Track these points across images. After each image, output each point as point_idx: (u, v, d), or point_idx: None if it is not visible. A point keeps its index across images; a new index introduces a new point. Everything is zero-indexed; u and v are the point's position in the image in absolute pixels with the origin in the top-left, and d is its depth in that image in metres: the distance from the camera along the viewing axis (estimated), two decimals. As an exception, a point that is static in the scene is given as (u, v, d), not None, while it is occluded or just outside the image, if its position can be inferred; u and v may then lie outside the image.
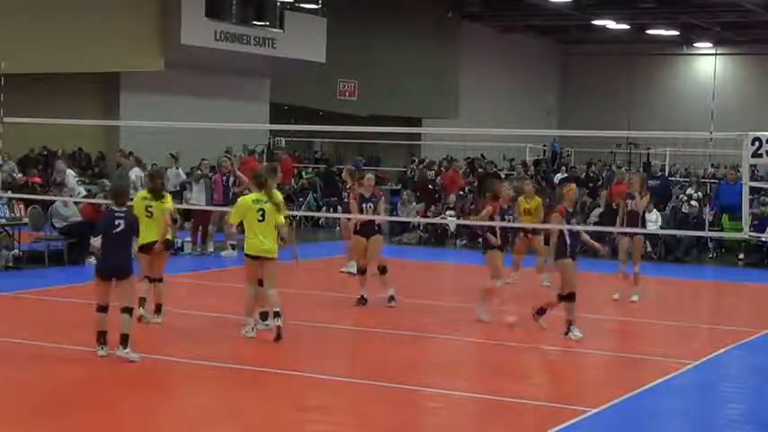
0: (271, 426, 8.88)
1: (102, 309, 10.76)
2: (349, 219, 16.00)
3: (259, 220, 11.79)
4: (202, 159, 22.36)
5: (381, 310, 14.38)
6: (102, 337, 10.76)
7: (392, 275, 14.69)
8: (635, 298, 15.74)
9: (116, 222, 10.90)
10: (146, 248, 12.45)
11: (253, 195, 12.03)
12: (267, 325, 12.27)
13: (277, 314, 11.97)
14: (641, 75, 48.25)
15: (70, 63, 27.64)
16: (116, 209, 11.03)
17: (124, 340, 10.67)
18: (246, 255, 12.03)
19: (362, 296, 14.64)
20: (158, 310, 12.75)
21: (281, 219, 11.95)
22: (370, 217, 14.45)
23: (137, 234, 11.52)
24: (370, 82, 38.16)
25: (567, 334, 12.48)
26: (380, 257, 14.62)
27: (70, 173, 22.83)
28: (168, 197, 12.72)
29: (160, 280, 12.73)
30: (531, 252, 16.40)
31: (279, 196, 12.12)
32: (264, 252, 11.82)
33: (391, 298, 14.54)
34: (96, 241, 11.47)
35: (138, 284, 11.94)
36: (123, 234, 10.90)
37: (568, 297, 12.42)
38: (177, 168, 23.22)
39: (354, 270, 15.78)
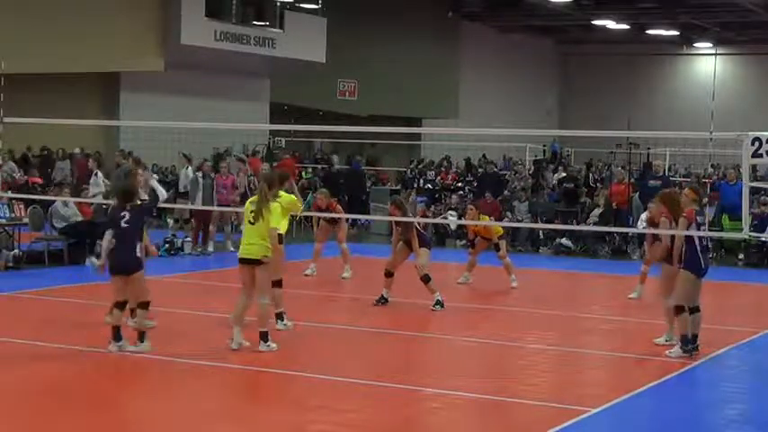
0: (271, 426, 8.88)
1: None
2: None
3: (250, 222, 11.34)
4: (204, 160, 22.34)
5: (381, 310, 14.41)
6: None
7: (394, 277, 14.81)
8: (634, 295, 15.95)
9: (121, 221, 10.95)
10: None
11: (252, 198, 11.73)
12: (286, 325, 12.47)
13: (279, 315, 12.43)
14: (641, 75, 48.21)
15: (70, 63, 27.65)
16: (120, 207, 11.02)
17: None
18: (238, 259, 11.56)
19: (383, 296, 14.74)
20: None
21: (274, 223, 11.34)
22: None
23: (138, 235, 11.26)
24: (370, 82, 38.17)
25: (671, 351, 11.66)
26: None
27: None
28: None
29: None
30: None
31: (271, 204, 11.46)
32: (249, 254, 11.28)
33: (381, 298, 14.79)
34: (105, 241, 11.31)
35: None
36: (127, 232, 10.93)
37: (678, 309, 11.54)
38: (188, 169, 23.14)
39: (311, 272, 17.44)
